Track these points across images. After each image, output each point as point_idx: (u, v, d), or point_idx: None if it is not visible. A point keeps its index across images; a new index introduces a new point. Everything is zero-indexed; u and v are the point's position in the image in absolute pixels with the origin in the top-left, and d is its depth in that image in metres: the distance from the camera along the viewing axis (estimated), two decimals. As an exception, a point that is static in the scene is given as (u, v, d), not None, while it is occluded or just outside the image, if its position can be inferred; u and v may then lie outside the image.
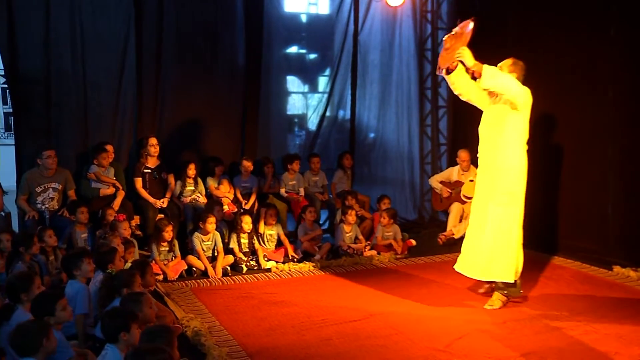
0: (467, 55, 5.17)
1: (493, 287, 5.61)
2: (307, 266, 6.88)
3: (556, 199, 7.49)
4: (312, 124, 9.20)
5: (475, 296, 5.81)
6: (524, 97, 5.25)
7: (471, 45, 5.18)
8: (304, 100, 9.46)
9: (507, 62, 5.41)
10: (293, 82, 9.31)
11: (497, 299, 5.51)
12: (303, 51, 9.29)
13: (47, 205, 6.67)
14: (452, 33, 5.32)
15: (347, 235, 7.45)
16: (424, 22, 9.24)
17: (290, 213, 7.95)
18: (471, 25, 5.16)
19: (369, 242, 7.51)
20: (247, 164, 7.80)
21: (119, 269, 4.94)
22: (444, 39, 5.45)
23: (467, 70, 5.35)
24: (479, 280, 5.75)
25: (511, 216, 5.40)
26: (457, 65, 5.38)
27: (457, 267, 5.69)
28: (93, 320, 4.68)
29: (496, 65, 5.28)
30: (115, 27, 7.38)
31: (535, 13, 7.53)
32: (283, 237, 7.33)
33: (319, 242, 7.44)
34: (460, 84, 5.53)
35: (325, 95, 9.09)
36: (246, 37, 8.13)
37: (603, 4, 6.80)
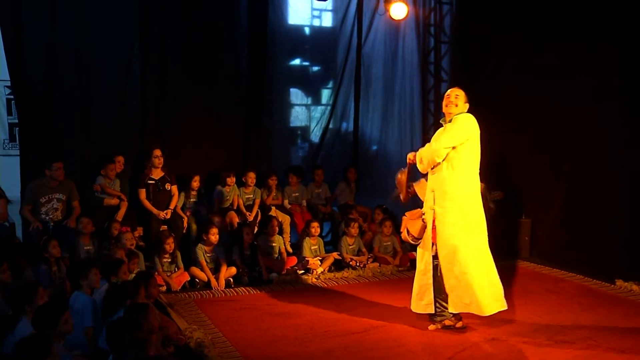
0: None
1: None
2: (309, 278, 6.88)
3: (559, 211, 7.50)
4: (315, 136, 9.22)
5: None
6: (458, 138, 5.15)
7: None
8: (307, 113, 9.49)
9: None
10: (296, 94, 9.35)
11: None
12: (306, 63, 9.33)
13: (51, 216, 6.69)
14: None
15: (350, 247, 7.46)
16: (427, 35, 9.28)
17: (294, 225, 7.96)
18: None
19: (371, 254, 7.51)
20: (252, 176, 7.82)
21: (123, 280, 4.95)
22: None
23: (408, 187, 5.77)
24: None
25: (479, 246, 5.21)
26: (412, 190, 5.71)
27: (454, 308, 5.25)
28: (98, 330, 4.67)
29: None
30: (120, 39, 7.43)
31: (537, 24, 7.56)
32: (284, 249, 7.32)
33: (321, 256, 7.41)
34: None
35: (329, 108, 9.12)
36: (250, 49, 8.17)
37: (605, 12, 6.84)
